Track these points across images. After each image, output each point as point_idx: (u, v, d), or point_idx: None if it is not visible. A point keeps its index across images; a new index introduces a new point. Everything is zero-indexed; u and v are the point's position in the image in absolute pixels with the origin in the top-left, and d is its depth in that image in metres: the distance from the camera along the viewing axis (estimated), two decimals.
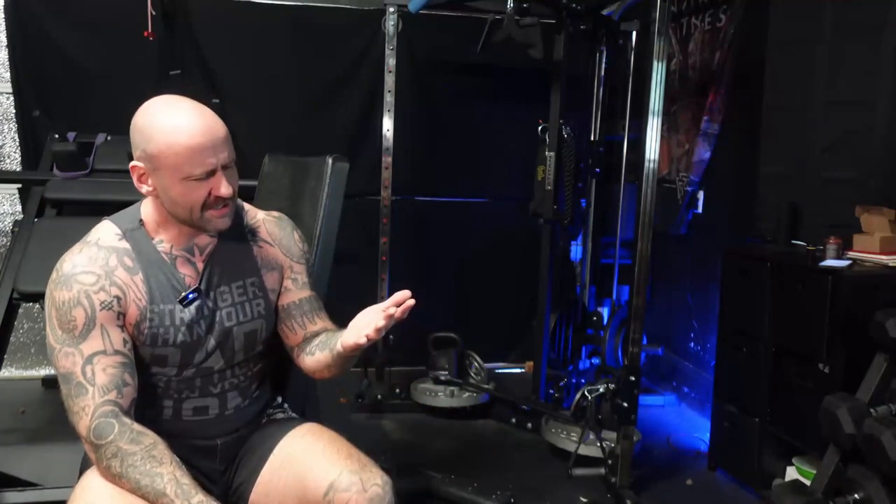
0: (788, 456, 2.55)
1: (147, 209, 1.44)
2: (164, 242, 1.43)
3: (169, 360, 1.43)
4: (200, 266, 1.46)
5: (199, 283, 1.45)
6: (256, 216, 1.58)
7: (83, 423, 1.30)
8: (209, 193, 1.35)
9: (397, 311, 1.35)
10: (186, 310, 1.42)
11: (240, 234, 1.53)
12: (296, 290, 1.58)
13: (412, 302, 1.35)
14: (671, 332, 3.73)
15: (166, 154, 1.31)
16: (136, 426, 1.32)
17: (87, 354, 1.32)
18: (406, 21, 3.64)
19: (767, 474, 2.62)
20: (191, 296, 1.43)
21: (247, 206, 1.59)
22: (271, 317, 1.56)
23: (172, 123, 1.32)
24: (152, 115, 1.34)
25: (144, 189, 1.38)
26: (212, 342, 1.46)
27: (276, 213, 1.62)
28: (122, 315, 1.37)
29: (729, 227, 3.24)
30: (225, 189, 1.35)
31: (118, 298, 1.36)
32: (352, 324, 1.43)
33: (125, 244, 1.40)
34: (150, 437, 1.31)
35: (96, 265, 1.36)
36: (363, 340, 1.36)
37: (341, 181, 1.90)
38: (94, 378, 1.31)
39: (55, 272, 1.37)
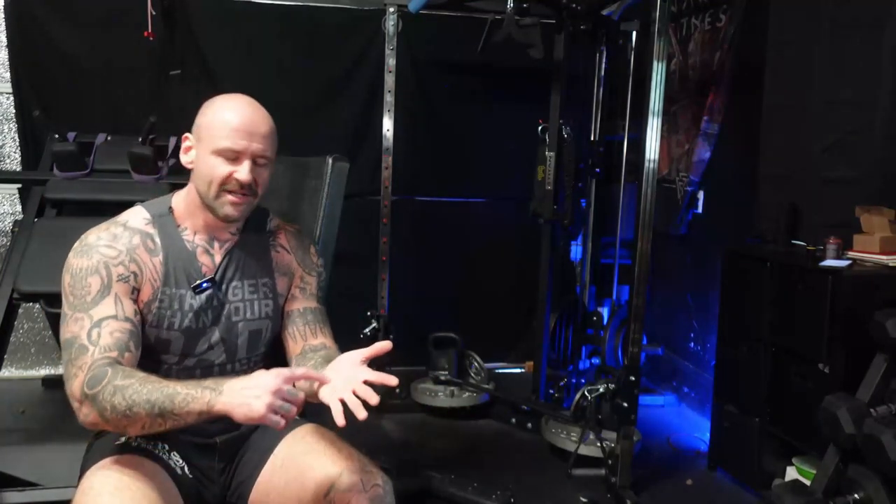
0: (788, 456, 2.55)
1: (179, 198, 1.52)
2: (188, 230, 1.49)
3: (172, 347, 1.45)
4: (218, 258, 1.51)
5: (215, 274, 1.49)
6: (279, 223, 1.64)
7: (78, 381, 1.28)
8: (230, 174, 1.42)
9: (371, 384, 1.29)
10: (197, 297, 1.46)
11: (260, 236, 1.59)
12: (302, 298, 1.60)
13: (395, 380, 1.30)
14: (671, 332, 3.73)
15: (209, 125, 1.44)
16: (129, 368, 1.31)
17: (96, 318, 1.34)
18: (406, 21, 3.64)
19: (767, 474, 2.62)
20: (204, 285, 1.47)
21: (271, 213, 1.64)
22: (277, 319, 1.58)
23: (226, 104, 1.46)
24: (217, 99, 1.48)
25: (185, 160, 1.49)
26: (216, 334, 1.49)
27: (296, 226, 1.70)
28: (136, 290, 1.41)
29: (729, 227, 3.24)
30: (244, 175, 1.42)
31: (135, 274, 1.41)
32: (330, 371, 1.36)
33: (151, 228, 1.46)
34: (142, 372, 1.30)
35: (119, 243, 1.42)
36: (334, 409, 1.26)
37: (341, 181, 1.90)
38: (99, 340, 1.32)
39: (78, 242, 1.42)
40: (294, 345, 1.58)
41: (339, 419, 1.25)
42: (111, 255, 1.39)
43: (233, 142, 1.41)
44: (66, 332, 1.35)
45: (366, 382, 1.27)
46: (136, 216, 1.48)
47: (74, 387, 1.29)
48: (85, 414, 1.29)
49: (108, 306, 1.36)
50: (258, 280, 1.55)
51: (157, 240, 1.45)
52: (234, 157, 1.42)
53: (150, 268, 1.43)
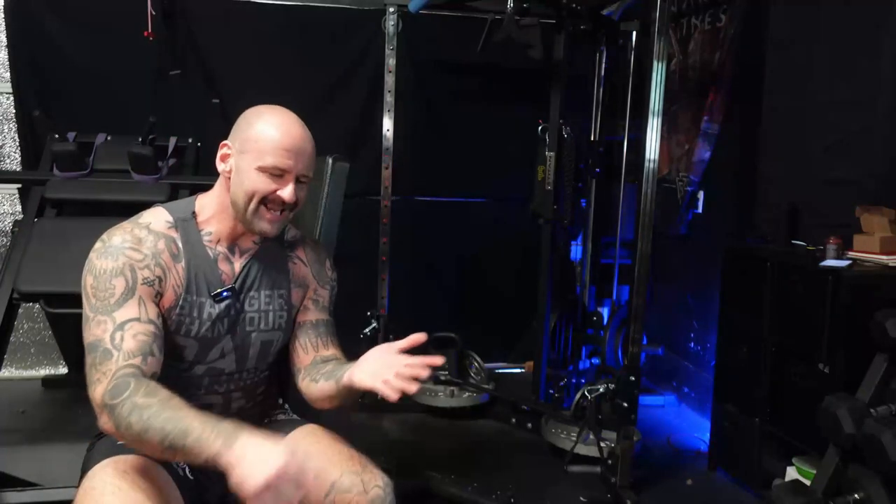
0: (788, 456, 2.55)
1: (203, 202, 1.50)
2: (211, 236, 1.48)
3: (185, 354, 1.45)
4: (238, 267, 1.51)
5: (234, 283, 1.49)
6: (297, 234, 1.64)
7: (101, 388, 1.28)
8: (274, 191, 1.42)
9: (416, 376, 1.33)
10: (216, 306, 1.46)
11: (279, 247, 1.58)
12: (315, 310, 1.61)
13: (440, 360, 1.36)
14: (671, 332, 3.73)
15: (258, 139, 1.41)
16: (153, 383, 1.29)
17: (119, 321, 1.33)
18: (406, 21, 3.64)
19: (767, 474, 2.62)
20: (225, 293, 1.47)
21: (290, 224, 1.63)
22: (289, 331, 1.58)
23: (275, 120, 1.44)
24: (264, 111, 1.47)
25: (221, 167, 1.46)
26: (229, 344, 1.49)
27: (314, 239, 1.69)
28: (160, 295, 1.40)
29: (729, 227, 3.24)
30: (289, 195, 1.42)
31: (160, 279, 1.40)
32: (364, 361, 1.40)
33: (174, 233, 1.45)
34: (166, 391, 1.28)
35: (144, 246, 1.41)
36: (381, 388, 1.31)
37: (341, 181, 1.91)
38: (122, 344, 1.31)
39: (101, 243, 1.40)
40: (304, 355, 1.58)
41: (393, 394, 1.29)
42: (137, 257, 1.38)
43: (281, 161, 1.40)
44: (88, 335, 1.34)
45: (407, 365, 1.32)
46: (159, 218, 1.46)
47: (97, 393, 1.28)
48: (104, 422, 1.29)
49: (132, 309, 1.35)
50: (275, 291, 1.54)
51: (180, 245, 1.44)
52: (279, 174, 1.41)
53: (174, 273, 1.42)
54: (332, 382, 1.47)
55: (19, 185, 3.53)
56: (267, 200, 1.42)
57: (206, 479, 1.50)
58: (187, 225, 1.47)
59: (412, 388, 1.29)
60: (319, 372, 1.53)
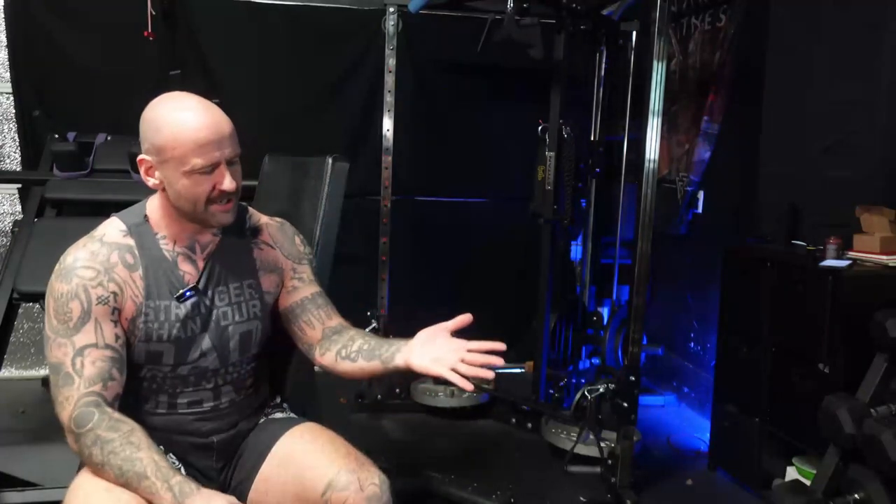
0: (788, 456, 2.55)
1: (153, 205, 1.46)
2: (166, 238, 1.45)
3: (164, 358, 1.44)
4: (201, 264, 1.48)
5: (198, 282, 1.47)
6: (260, 219, 1.61)
7: (66, 413, 1.32)
8: (213, 187, 1.37)
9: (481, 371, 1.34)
10: (182, 306, 1.44)
11: (241, 235, 1.55)
12: (304, 286, 1.59)
13: (502, 345, 1.36)
14: (671, 332, 3.73)
15: (172, 146, 1.33)
16: (116, 414, 1.33)
17: (78, 346, 1.34)
18: (406, 21, 3.64)
19: (767, 474, 2.62)
20: (187, 293, 1.44)
21: (250, 209, 1.61)
22: (266, 318, 1.57)
23: (180, 117, 1.34)
24: (161, 109, 1.37)
25: (151, 182, 1.40)
26: (207, 341, 1.48)
27: (278, 219, 1.65)
28: (117, 311, 1.39)
29: (729, 227, 3.24)
30: (228, 184, 1.37)
31: (115, 294, 1.38)
32: (420, 345, 1.42)
33: (129, 241, 1.43)
34: (128, 423, 1.32)
35: (97, 261, 1.38)
36: (452, 377, 1.34)
37: (341, 181, 1.90)
38: (83, 370, 1.33)
39: (58, 264, 1.39)
40: (313, 331, 1.57)
41: (467, 384, 1.32)
42: (89, 276, 1.36)
43: (206, 157, 1.34)
44: (51, 355, 1.36)
45: (470, 351, 1.35)
46: (113, 228, 1.43)
47: (63, 417, 1.32)
48: (70, 442, 1.33)
49: (89, 334, 1.35)
50: (242, 282, 1.52)
51: (136, 252, 1.41)
52: (210, 171, 1.35)
53: (130, 285, 1.40)
54: (376, 363, 1.48)
55: (19, 185, 3.54)
56: (211, 199, 1.38)
57: (204, 477, 1.50)
58: (142, 229, 1.44)
59: (489, 375, 1.31)
60: (350, 348, 1.52)
